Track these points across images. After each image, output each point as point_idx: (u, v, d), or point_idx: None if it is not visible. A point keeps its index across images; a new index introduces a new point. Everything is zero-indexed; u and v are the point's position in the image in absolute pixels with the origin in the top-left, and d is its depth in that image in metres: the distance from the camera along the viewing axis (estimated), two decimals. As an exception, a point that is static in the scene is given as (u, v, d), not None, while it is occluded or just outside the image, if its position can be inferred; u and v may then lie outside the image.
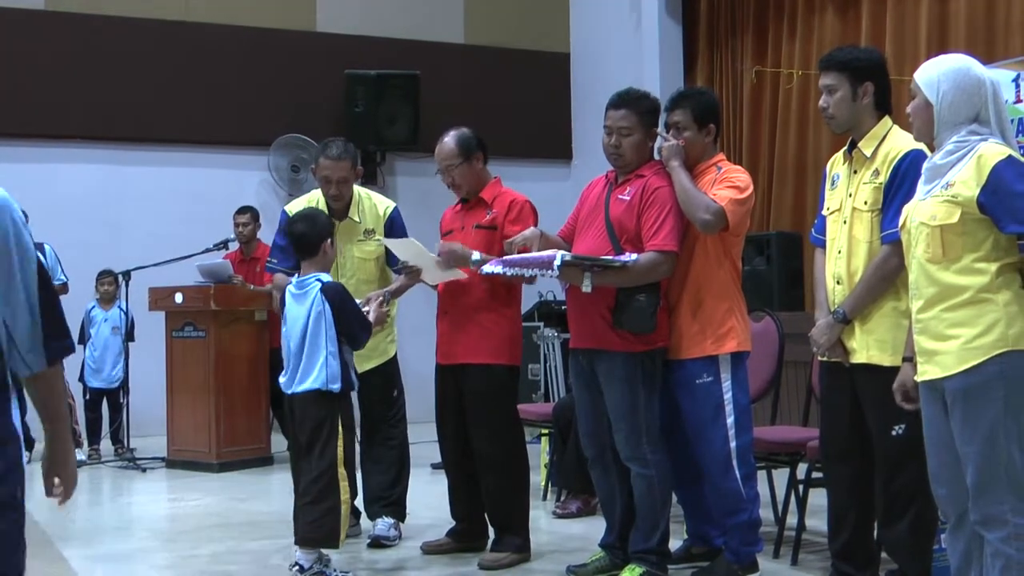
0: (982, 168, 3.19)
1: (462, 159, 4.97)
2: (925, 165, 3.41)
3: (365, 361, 5.35)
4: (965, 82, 3.30)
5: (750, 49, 9.86)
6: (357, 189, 5.43)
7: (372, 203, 5.46)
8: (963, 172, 3.23)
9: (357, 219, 5.35)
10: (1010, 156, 3.19)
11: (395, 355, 5.53)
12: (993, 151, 3.21)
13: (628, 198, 4.42)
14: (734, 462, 4.37)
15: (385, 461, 5.43)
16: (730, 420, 4.37)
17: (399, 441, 5.47)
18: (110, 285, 8.68)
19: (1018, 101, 6.67)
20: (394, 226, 5.38)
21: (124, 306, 8.55)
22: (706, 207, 4.26)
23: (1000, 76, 6.72)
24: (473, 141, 5.01)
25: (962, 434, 3.25)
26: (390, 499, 5.41)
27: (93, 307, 8.71)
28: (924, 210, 3.31)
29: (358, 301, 4.96)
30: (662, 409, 4.47)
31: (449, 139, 5.01)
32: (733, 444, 4.37)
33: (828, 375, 4.17)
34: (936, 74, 3.34)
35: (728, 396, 4.38)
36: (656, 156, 4.55)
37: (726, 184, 4.35)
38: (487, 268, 4.48)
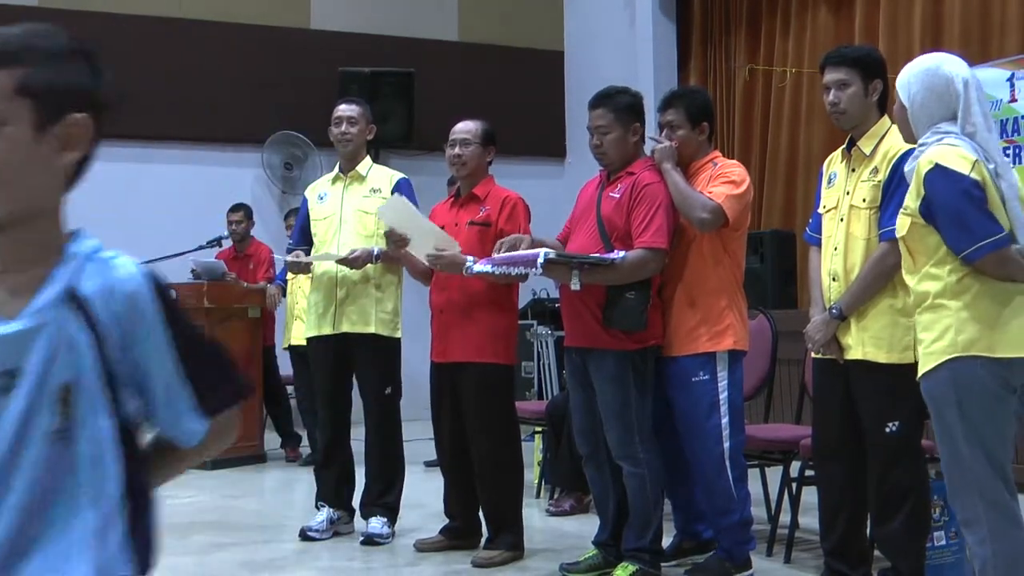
0: (919, 178, 3.21)
1: (480, 141, 5.05)
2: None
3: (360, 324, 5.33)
4: (933, 81, 3.28)
5: (743, 47, 9.87)
6: (369, 159, 5.61)
7: (384, 170, 5.66)
8: (912, 182, 3.27)
9: (364, 174, 5.47)
10: (935, 166, 3.16)
11: (398, 341, 5.46)
12: (925, 159, 3.20)
13: (618, 196, 4.42)
14: (727, 462, 4.37)
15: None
16: (724, 420, 4.35)
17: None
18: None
19: (1012, 100, 6.66)
20: (401, 191, 5.40)
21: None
22: (703, 206, 4.26)
23: (994, 75, 6.75)
24: (494, 136, 5.12)
25: (937, 437, 3.30)
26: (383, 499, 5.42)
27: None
28: (898, 221, 3.40)
29: (343, 254, 5.17)
30: (655, 407, 4.47)
31: (476, 121, 5.12)
32: (727, 444, 4.36)
33: (821, 372, 4.17)
34: (907, 76, 3.35)
35: (723, 396, 4.36)
36: (648, 153, 4.56)
37: (721, 180, 4.35)
38: (477, 268, 4.51)
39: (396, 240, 4.93)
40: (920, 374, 3.28)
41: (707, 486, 4.43)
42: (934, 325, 3.22)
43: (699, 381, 4.35)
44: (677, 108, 4.49)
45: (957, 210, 3.13)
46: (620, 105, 4.49)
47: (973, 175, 3.15)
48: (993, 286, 3.17)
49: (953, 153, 3.17)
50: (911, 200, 3.25)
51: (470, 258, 4.64)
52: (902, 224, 3.30)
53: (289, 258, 5.48)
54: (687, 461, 4.50)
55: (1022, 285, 3.18)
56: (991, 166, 3.21)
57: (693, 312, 4.38)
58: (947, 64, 3.33)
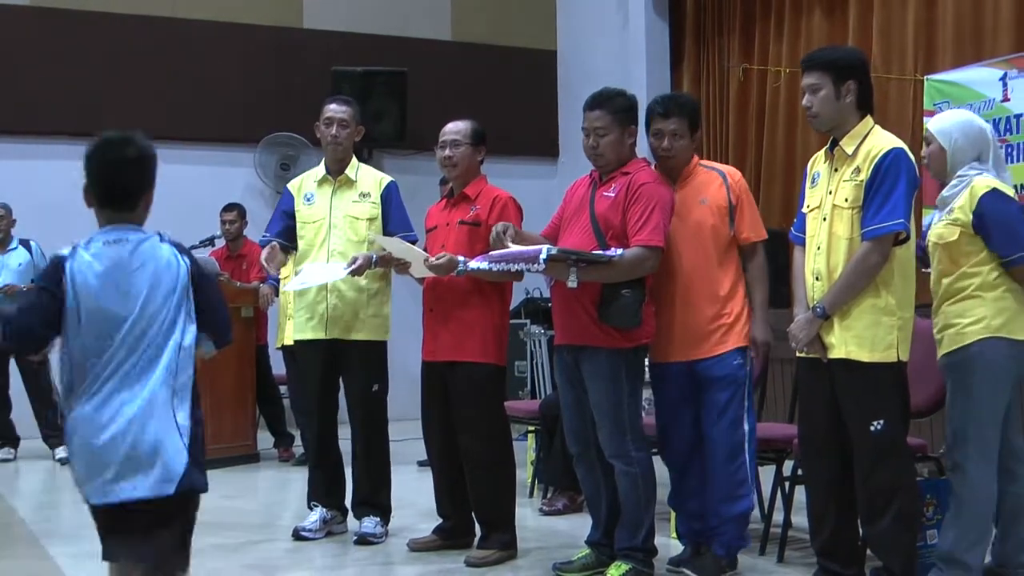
0: (973, 197, 3.97)
1: (470, 142, 5.04)
2: (938, 197, 4.14)
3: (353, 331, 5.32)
4: (969, 131, 4.09)
5: (737, 48, 9.88)
6: (355, 160, 5.53)
7: (371, 172, 5.58)
8: (959, 199, 4.01)
9: (353, 177, 5.42)
10: (993, 189, 3.98)
11: (385, 344, 5.47)
12: (981, 184, 3.99)
13: (613, 195, 4.43)
14: (746, 445, 4.43)
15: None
16: (746, 403, 4.46)
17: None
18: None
19: (1005, 100, 6.69)
20: (391, 196, 5.41)
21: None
22: (764, 262, 4.70)
23: (987, 75, 6.79)
24: (483, 135, 5.11)
25: (949, 398, 4.18)
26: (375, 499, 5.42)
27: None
28: (935, 231, 4.09)
29: (345, 262, 5.05)
30: (689, 424, 4.51)
31: (464, 121, 5.10)
32: (746, 427, 4.44)
33: (805, 371, 4.20)
34: (947, 126, 4.11)
35: (747, 381, 4.50)
36: (638, 155, 4.58)
37: (751, 211, 4.60)
38: (473, 264, 4.51)
39: (399, 266, 5.04)
40: (951, 350, 4.01)
41: (721, 470, 4.45)
42: (968, 312, 3.98)
43: (739, 364, 4.47)
44: (680, 117, 4.52)
45: (1010, 224, 3.96)
46: (618, 107, 4.49)
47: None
48: (1018, 284, 3.99)
49: (1001, 183, 4.03)
50: (963, 214, 3.98)
51: (462, 259, 4.65)
52: (949, 233, 4.01)
53: (291, 287, 5.48)
54: (702, 467, 4.52)
55: None
56: None
57: (719, 315, 4.47)
58: (977, 119, 4.22)
